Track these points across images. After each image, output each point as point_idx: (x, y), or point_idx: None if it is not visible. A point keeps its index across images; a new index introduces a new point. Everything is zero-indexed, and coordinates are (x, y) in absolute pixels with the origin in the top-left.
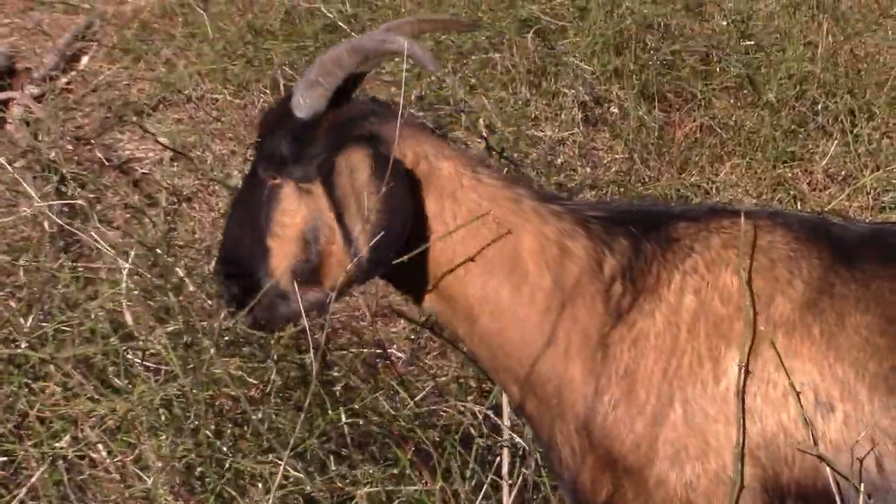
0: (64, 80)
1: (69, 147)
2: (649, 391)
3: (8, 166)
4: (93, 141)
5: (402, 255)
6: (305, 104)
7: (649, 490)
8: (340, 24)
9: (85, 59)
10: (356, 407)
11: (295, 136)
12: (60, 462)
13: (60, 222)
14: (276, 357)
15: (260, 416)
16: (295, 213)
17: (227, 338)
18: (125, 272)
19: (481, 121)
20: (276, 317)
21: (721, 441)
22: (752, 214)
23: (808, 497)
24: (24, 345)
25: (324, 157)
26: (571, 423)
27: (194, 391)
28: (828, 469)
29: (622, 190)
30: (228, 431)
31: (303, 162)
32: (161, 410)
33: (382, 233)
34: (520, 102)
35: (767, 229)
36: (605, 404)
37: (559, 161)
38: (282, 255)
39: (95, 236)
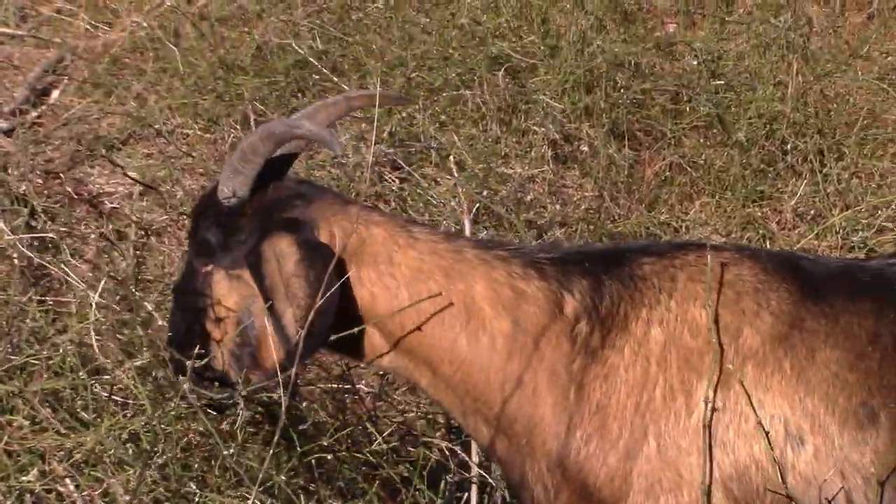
0: (34, 113)
1: (39, 181)
2: (622, 425)
3: None
4: (62, 175)
5: (341, 330)
6: (229, 191)
7: None
8: (311, 59)
9: (55, 93)
10: (324, 443)
11: (221, 224)
12: (28, 496)
13: (30, 255)
14: (243, 393)
15: (229, 451)
16: (227, 298)
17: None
18: (94, 305)
19: (451, 157)
20: (226, 397)
21: (694, 473)
22: (718, 248)
23: None
24: None
25: (250, 244)
26: (543, 461)
27: (162, 426)
28: None
29: (592, 227)
30: (196, 466)
31: (230, 249)
32: (129, 444)
33: (312, 317)
34: (490, 139)
35: (734, 263)
36: (578, 440)
37: (529, 198)
38: (220, 339)
39: (66, 269)
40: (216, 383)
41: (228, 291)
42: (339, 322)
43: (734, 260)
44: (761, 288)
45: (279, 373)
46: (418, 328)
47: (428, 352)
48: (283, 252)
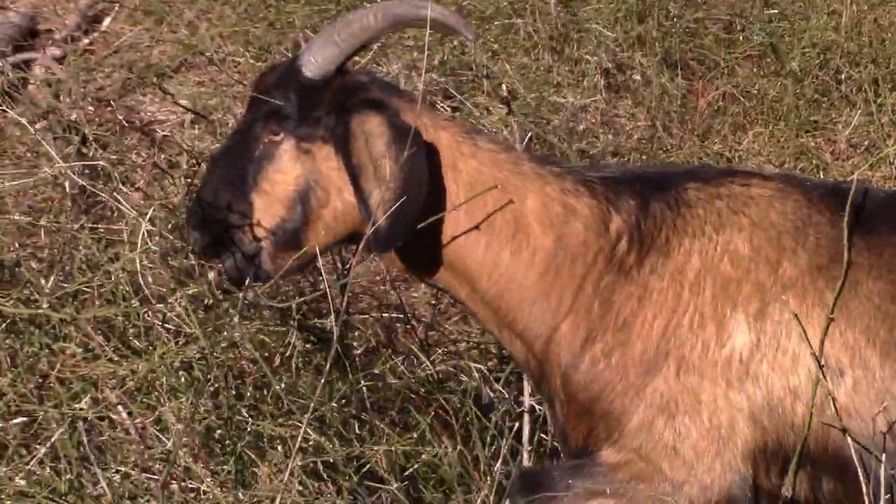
0: (86, 40)
1: (90, 109)
2: (646, 344)
3: (29, 127)
4: (114, 102)
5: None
6: (317, 64)
7: (628, 432)
8: None
9: (107, 21)
10: (376, 371)
11: (301, 96)
12: (80, 423)
13: (82, 183)
14: (295, 321)
15: (280, 380)
16: (289, 171)
17: (247, 301)
18: (145, 233)
19: (503, 86)
20: (243, 276)
21: (718, 402)
22: (766, 177)
23: (815, 462)
24: (45, 305)
25: (331, 121)
26: (556, 374)
27: (214, 354)
28: (846, 437)
29: (644, 157)
30: (248, 395)
31: (308, 122)
32: (181, 372)
33: (403, 200)
34: (542, 69)
35: (780, 194)
36: (597, 352)
37: (581, 128)
38: (264, 212)
39: (117, 197)
40: (237, 260)
41: (293, 165)
42: None
43: (780, 191)
44: (805, 220)
45: (375, 248)
46: (466, 234)
47: (470, 264)
48: (372, 131)
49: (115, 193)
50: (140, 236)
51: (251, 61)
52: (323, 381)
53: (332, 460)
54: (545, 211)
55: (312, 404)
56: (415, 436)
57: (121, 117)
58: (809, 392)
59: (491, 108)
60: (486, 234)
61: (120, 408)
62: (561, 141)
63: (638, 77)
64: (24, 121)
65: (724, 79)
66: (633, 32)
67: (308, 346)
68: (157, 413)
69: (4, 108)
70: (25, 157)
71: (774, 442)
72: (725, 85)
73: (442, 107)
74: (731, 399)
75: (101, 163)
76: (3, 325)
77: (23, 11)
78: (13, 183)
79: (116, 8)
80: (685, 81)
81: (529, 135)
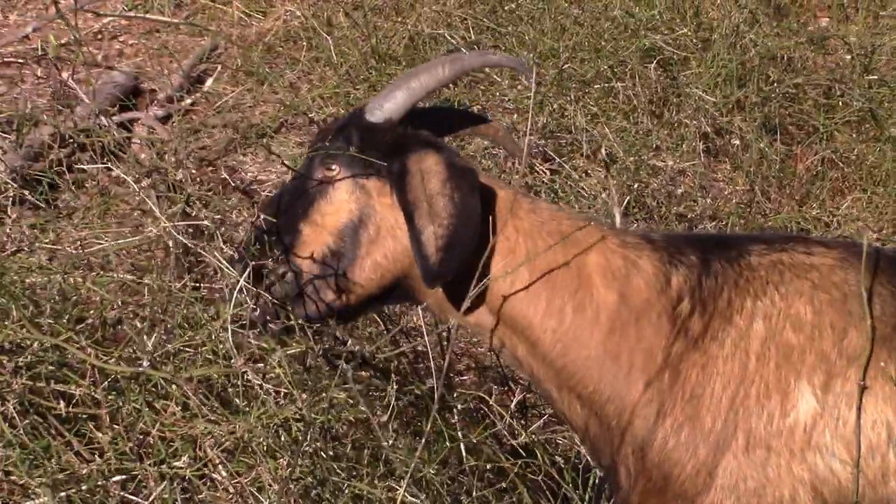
0: (188, 101)
1: (192, 169)
2: (715, 417)
3: (134, 185)
4: (216, 163)
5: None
6: (381, 109)
7: None
8: (463, 49)
9: (209, 81)
10: (474, 440)
11: (361, 136)
12: (178, 482)
13: (186, 242)
14: (395, 383)
15: (380, 441)
16: (341, 203)
17: (349, 363)
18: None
19: (603, 149)
20: (289, 303)
21: (781, 474)
22: (828, 245)
23: None
24: (146, 363)
25: (391, 157)
26: (629, 444)
27: (313, 414)
28: None
29: (742, 222)
30: (345, 455)
31: (365, 159)
32: (279, 432)
33: (456, 232)
34: (641, 132)
35: (844, 262)
36: (668, 427)
37: (679, 192)
38: (312, 241)
39: (218, 256)
40: (280, 298)
41: (347, 197)
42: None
43: (842, 260)
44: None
45: (426, 279)
46: (526, 287)
47: (530, 319)
48: (429, 169)
49: (216, 252)
50: (244, 295)
51: None
52: (423, 442)
53: None
54: (607, 265)
55: (413, 464)
56: (514, 500)
57: (224, 176)
58: (872, 463)
59: (590, 171)
60: (547, 288)
61: (220, 467)
62: (659, 204)
63: (737, 141)
64: (129, 179)
65: (822, 144)
66: (732, 97)
67: (406, 406)
68: (254, 473)
69: (109, 166)
70: (130, 215)
71: None
72: (824, 150)
73: (541, 169)
74: (794, 471)
75: (204, 222)
76: (105, 382)
77: (127, 71)
78: (118, 242)
79: (219, 69)
80: (784, 146)
81: (628, 198)
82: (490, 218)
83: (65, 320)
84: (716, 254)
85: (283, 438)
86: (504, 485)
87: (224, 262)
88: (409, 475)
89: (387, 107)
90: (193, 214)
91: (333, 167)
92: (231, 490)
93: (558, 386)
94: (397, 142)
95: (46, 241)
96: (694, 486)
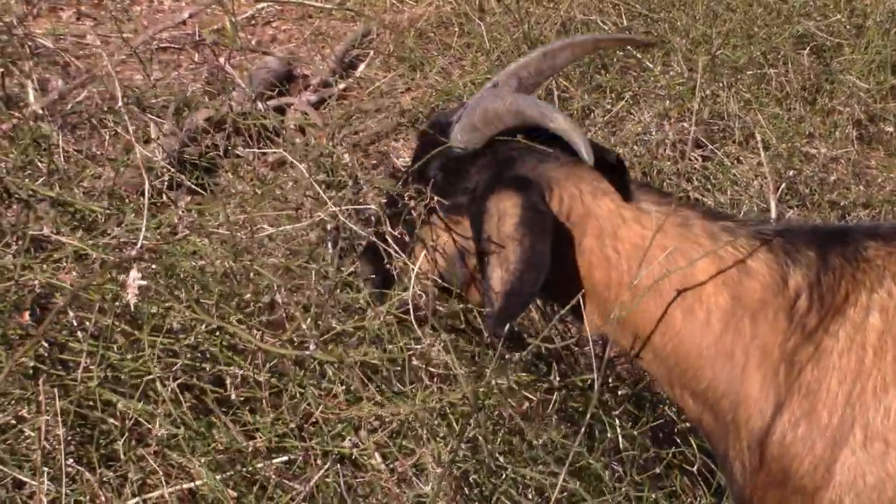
0: (341, 86)
1: (345, 155)
2: (832, 413)
3: (303, 170)
4: (369, 148)
5: (558, 290)
6: (463, 142)
7: None
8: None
9: (361, 67)
10: (634, 432)
11: (449, 168)
12: (339, 465)
13: (355, 228)
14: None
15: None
16: (442, 236)
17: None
18: (413, 277)
19: (757, 136)
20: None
21: None
22: None
23: None
24: (312, 346)
25: (476, 194)
26: (745, 438)
27: (478, 399)
28: None
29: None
30: (504, 441)
31: (454, 195)
32: (441, 417)
33: (518, 286)
34: (794, 119)
35: None
36: (785, 422)
37: (832, 179)
38: (426, 264)
39: (388, 240)
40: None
41: (446, 232)
42: (557, 281)
43: None
44: None
45: (487, 329)
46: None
47: (639, 325)
48: (506, 211)
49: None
50: (410, 279)
51: None
52: (583, 430)
53: None
54: (717, 271)
55: (571, 455)
56: (668, 487)
57: (374, 163)
58: None
59: (742, 158)
60: (653, 299)
61: (376, 454)
62: (812, 192)
63: (891, 129)
64: (298, 163)
65: None
66: (886, 84)
67: (568, 396)
68: (416, 456)
69: (272, 150)
70: (287, 200)
71: None
72: None
73: (692, 156)
74: None
75: (372, 207)
76: (267, 366)
77: (280, 56)
78: (284, 228)
79: (371, 54)
80: None
81: (781, 186)
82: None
83: (232, 304)
84: (834, 249)
85: (444, 423)
86: (658, 470)
87: (396, 247)
88: (568, 461)
89: (467, 140)
90: (357, 200)
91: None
92: (391, 473)
93: (670, 382)
94: (486, 174)
95: (213, 224)
96: (813, 482)
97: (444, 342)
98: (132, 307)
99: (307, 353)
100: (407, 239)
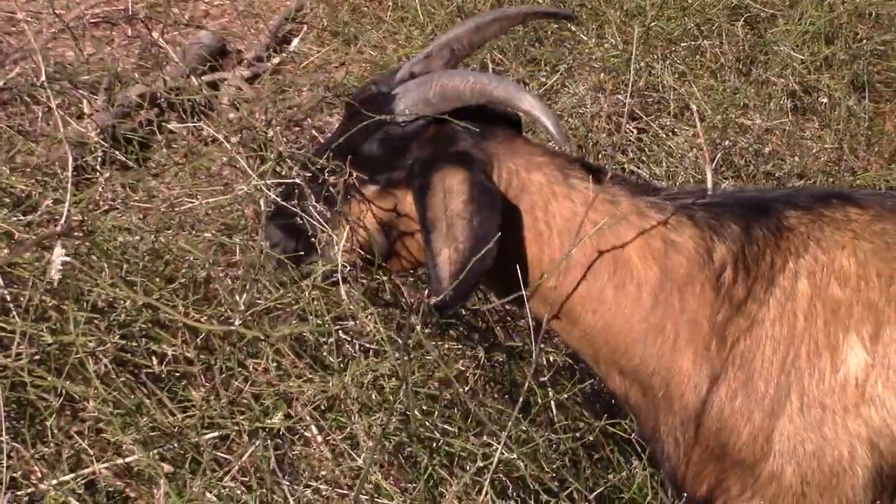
0: (275, 60)
1: (280, 128)
2: (768, 382)
3: (227, 143)
4: (303, 122)
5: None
6: (411, 115)
7: (760, 484)
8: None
9: (295, 41)
10: (564, 396)
11: (390, 142)
12: (271, 440)
13: (278, 200)
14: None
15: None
16: (371, 210)
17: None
18: (339, 251)
19: (693, 107)
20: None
21: (838, 433)
22: (861, 199)
23: None
24: (237, 322)
25: (417, 170)
26: (678, 414)
27: (405, 371)
28: None
29: (831, 180)
30: (438, 413)
31: (393, 170)
32: (371, 389)
33: (466, 262)
34: (728, 90)
35: (882, 214)
36: (721, 396)
37: (767, 150)
38: (346, 236)
39: (313, 213)
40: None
41: (377, 203)
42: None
43: (881, 212)
44: None
45: (435, 310)
46: (564, 271)
47: (570, 302)
48: (452, 188)
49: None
50: (337, 253)
51: None
52: (521, 400)
53: (525, 480)
54: (646, 246)
55: (510, 424)
56: (603, 457)
57: (307, 137)
58: None
59: (677, 130)
60: (585, 275)
61: (313, 427)
62: (747, 163)
63: (825, 99)
64: (220, 137)
65: None
66: (820, 54)
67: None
68: (347, 430)
69: (199, 125)
70: (219, 175)
71: (889, 467)
72: None
73: (627, 128)
74: (850, 427)
75: (296, 181)
76: (197, 341)
77: (213, 31)
78: (209, 200)
79: (304, 29)
80: (872, 104)
81: (717, 156)
82: (524, 213)
83: (157, 280)
84: (757, 220)
85: (375, 397)
86: (591, 438)
87: (320, 220)
88: (506, 431)
89: (414, 115)
90: (283, 174)
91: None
92: (323, 447)
93: (596, 360)
94: (426, 149)
95: (137, 199)
96: (752, 454)
97: (372, 314)
98: (55, 284)
99: (231, 328)
100: (328, 213)
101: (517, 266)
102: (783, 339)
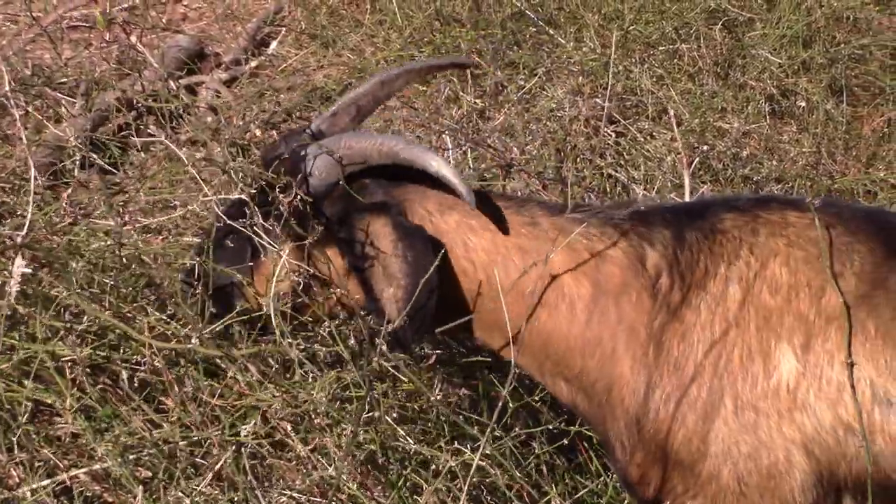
0: (253, 64)
1: (257, 132)
2: (700, 386)
3: (184, 158)
4: (281, 126)
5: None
6: (321, 177)
7: (701, 484)
8: (528, 12)
9: (273, 45)
10: (535, 399)
11: (302, 202)
12: (245, 449)
13: (224, 217)
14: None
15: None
16: (286, 270)
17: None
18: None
19: (671, 111)
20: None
21: (773, 436)
22: (801, 204)
23: (865, 491)
24: (194, 340)
25: (337, 226)
26: (621, 419)
27: (366, 381)
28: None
29: (809, 184)
30: (408, 421)
31: (305, 228)
32: (338, 402)
33: (411, 296)
34: (706, 94)
35: (818, 220)
36: (658, 400)
37: (745, 154)
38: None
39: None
40: None
41: (293, 263)
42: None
43: (818, 218)
44: (844, 248)
45: (399, 348)
46: (495, 300)
47: (506, 327)
48: (377, 232)
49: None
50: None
51: (415, 85)
52: (499, 406)
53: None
54: (574, 263)
55: (488, 431)
56: (578, 460)
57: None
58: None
59: (655, 134)
60: (515, 301)
61: (293, 434)
62: (725, 167)
63: (803, 103)
64: (180, 152)
65: (889, 105)
66: (798, 58)
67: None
68: (315, 441)
69: (175, 129)
70: (186, 182)
71: (827, 472)
72: (891, 111)
73: (605, 132)
74: (785, 432)
75: (242, 196)
76: (165, 352)
77: (191, 34)
78: (171, 216)
79: (283, 32)
80: (850, 108)
81: (695, 160)
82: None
83: (127, 289)
84: (691, 225)
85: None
86: (566, 442)
87: (265, 238)
88: (484, 439)
89: (325, 176)
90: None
91: (279, 235)
92: (294, 459)
93: (541, 373)
94: (341, 205)
95: (103, 212)
96: (689, 455)
97: (330, 329)
98: (13, 296)
99: (189, 346)
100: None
101: (455, 305)
102: (715, 343)
